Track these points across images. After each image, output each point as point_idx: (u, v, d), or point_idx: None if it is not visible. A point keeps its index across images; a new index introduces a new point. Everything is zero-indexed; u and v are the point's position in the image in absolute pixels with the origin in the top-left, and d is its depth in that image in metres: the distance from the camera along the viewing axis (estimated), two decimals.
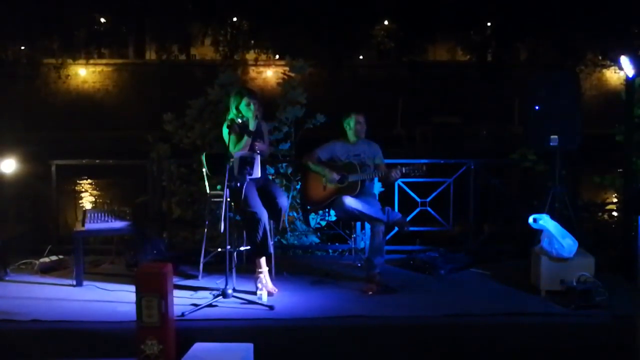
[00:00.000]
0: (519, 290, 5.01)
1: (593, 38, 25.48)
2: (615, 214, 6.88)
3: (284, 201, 5.24)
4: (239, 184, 4.92)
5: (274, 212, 5.15)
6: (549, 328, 4.38)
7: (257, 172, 5.04)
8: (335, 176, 5.31)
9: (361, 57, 29.73)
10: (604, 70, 28.12)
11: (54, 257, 5.63)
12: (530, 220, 4.98)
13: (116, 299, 4.82)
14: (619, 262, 5.37)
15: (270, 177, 6.07)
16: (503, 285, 5.17)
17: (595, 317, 4.46)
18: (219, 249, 5.42)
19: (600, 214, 6.73)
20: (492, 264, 5.65)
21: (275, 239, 6.09)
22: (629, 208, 5.45)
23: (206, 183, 5.49)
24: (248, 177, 5.01)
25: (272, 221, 5.19)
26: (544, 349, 4.33)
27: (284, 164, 6.54)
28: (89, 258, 5.67)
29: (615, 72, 26.75)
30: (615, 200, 6.92)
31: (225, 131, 5.16)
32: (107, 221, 5.35)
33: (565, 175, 5.79)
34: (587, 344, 4.33)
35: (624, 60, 5.26)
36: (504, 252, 5.95)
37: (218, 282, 5.01)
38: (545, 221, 4.94)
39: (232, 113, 5.18)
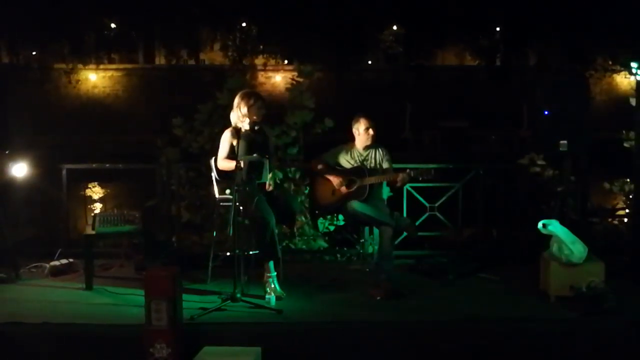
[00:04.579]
0: (528, 295, 4.99)
1: (603, 43, 25.36)
2: (625, 219, 6.83)
3: (294, 205, 5.25)
4: (247, 188, 4.95)
5: (285, 216, 5.15)
6: (558, 334, 4.36)
7: (266, 177, 5.06)
8: (342, 184, 5.30)
9: (369, 61, 29.71)
10: (614, 75, 27.96)
11: (64, 261, 5.66)
12: (540, 225, 4.96)
13: (125, 302, 4.84)
14: (629, 268, 5.34)
15: (279, 182, 6.08)
16: (512, 290, 5.15)
17: (605, 323, 4.44)
18: (228, 253, 5.44)
19: (610, 219, 6.69)
20: (501, 269, 5.62)
21: (284, 243, 6.10)
22: (639, 213, 5.42)
23: (215, 187, 5.51)
24: (256, 181, 5.04)
25: (280, 225, 5.19)
26: (553, 355, 4.31)
27: (292, 168, 6.56)
28: (98, 261, 5.70)
29: (625, 77, 26.59)
30: (624, 205, 6.89)
31: (226, 135, 5.15)
32: (117, 225, 5.37)
33: (574, 180, 5.77)
34: (597, 350, 4.30)
35: (634, 65, 5.25)
36: (513, 257, 5.92)
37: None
38: (554, 226, 4.92)
39: (235, 117, 5.16)
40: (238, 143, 4.99)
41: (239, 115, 5.11)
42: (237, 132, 5.05)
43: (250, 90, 5.32)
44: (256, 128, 5.17)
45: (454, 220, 6.18)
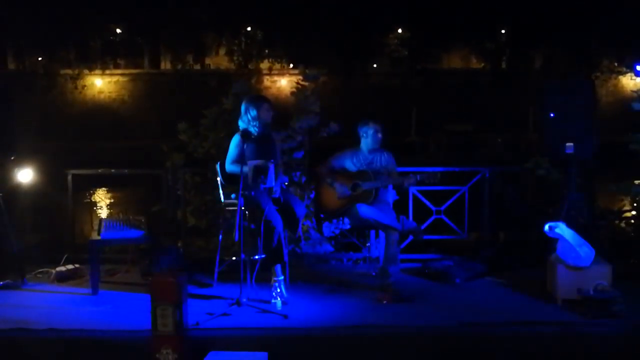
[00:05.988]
0: (535, 299, 4.97)
1: (608, 45, 25.30)
2: (632, 221, 6.80)
3: (300, 209, 5.25)
4: (253, 193, 4.95)
5: (291, 220, 5.15)
6: (565, 337, 4.34)
7: (272, 181, 5.06)
8: (346, 190, 5.31)
9: (375, 65, 29.74)
10: (620, 77, 27.89)
11: (70, 266, 5.67)
12: (546, 228, 4.94)
13: (131, 307, 4.84)
14: (637, 270, 5.31)
15: (285, 186, 6.08)
16: (519, 294, 5.13)
17: (613, 326, 4.41)
18: (234, 258, 5.44)
19: (617, 221, 6.65)
20: (507, 272, 5.61)
21: (290, 248, 6.09)
22: None
23: (220, 192, 5.51)
24: (262, 186, 5.04)
25: (286, 229, 5.20)
26: (560, 359, 4.28)
27: (298, 173, 6.55)
28: (104, 267, 5.71)
29: (631, 79, 26.50)
30: (631, 207, 6.85)
31: (236, 139, 5.17)
32: (123, 230, 5.38)
33: (581, 182, 5.74)
34: (605, 354, 4.28)
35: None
36: (519, 260, 5.90)
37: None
38: (561, 229, 4.90)
39: (245, 120, 5.18)
40: (245, 147, 5.02)
41: (249, 120, 5.16)
42: (246, 136, 5.07)
43: (255, 94, 5.38)
44: (265, 133, 5.21)
45: (460, 223, 6.16)
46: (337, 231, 6.42)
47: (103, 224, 5.43)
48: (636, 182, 6.43)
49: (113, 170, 7.13)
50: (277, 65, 28.56)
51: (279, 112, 5.50)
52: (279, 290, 4.90)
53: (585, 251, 4.78)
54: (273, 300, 4.83)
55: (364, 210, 5.15)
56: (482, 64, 29.24)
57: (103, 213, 12.10)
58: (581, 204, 5.49)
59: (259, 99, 5.31)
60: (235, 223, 4.80)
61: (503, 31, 28.66)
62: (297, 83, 7.01)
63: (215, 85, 21.04)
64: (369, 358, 4.29)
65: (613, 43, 24.65)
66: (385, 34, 28.85)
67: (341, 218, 6.00)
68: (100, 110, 27.43)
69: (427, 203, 6.15)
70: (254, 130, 5.15)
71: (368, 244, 6.05)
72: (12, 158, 5.64)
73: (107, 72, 28.24)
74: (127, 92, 28.14)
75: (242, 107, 5.26)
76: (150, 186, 7.29)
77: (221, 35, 28.40)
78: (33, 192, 6.11)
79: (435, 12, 25.62)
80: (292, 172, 6.49)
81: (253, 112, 5.16)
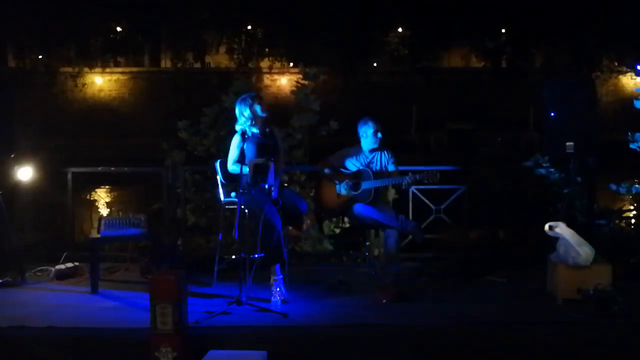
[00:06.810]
0: (535, 298, 4.96)
1: (609, 44, 25.32)
2: (632, 220, 6.80)
3: (303, 205, 5.24)
4: (253, 192, 4.94)
5: (294, 217, 5.15)
6: (566, 337, 4.33)
7: (271, 179, 5.05)
8: (347, 188, 5.31)
9: (375, 64, 29.74)
10: (620, 77, 27.91)
11: (69, 264, 5.67)
12: (546, 227, 4.94)
13: (131, 305, 4.84)
14: (637, 270, 5.30)
15: (285, 184, 6.08)
16: (519, 293, 5.12)
17: (613, 325, 4.40)
18: (233, 256, 5.43)
19: (617, 221, 6.65)
20: (507, 271, 5.60)
21: (289, 246, 6.09)
22: None
23: (220, 190, 5.51)
24: (262, 184, 5.03)
25: (290, 226, 5.20)
26: (561, 358, 4.28)
27: (298, 171, 6.55)
28: (104, 265, 5.70)
29: (632, 79, 26.52)
30: (631, 207, 6.85)
31: (236, 140, 5.16)
32: (123, 228, 5.37)
33: (581, 182, 5.74)
34: (605, 353, 4.27)
35: None
36: (519, 259, 5.90)
37: None
38: (561, 229, 4.89)
39: (242, 122, 5.16)
40: (246, 147, 5.01)
41: (245, 120, 5.13)
42: (245, 136, 5.05)
43: (243, 95, 5.35)
44: (267, 130, 5.19)
45: (460, 222, 6.16)
46: (337, 230, 6.42)
47: (103, 222, 5.42)
48: (636, 181, 6.43)
49: (113, 168, 7.12)
50: (278, 64, 28.58)
51: (279, 111, 5.48)
52: (278, 289, 4.89)
53: (585, 250, 4.78)
54: (273, 299, 4.82)
55: (363, 209, 5.14)
56: (483, 63, 29.27)
57: (103, 211, 12.10)
58: (581, 203, 5.49)
59: (248, 97, 5.20)
60: (235, 221, 4.80)
61: (503, 30, 28.68)
62: (297, 82, 7.03)
63: (216, 84, 21.05)
64: (368, 357, 4.28)
65: (613, 42, 24.67)
66: (386, 33, 28.87)
67: (341, 217, 6.00)
68: (100, 108, 27.46)
69: (427, 202, 6.14)
70: (253, 129, 5.12)
71: (368, 243, 6.04)
72: (12, 156, 5.63)
73: (108, 70, 28.27)
74: (128, 90, 28.16)
75: (236, 111, 5.20)
76: (150, 184, 7.29)
77: (222, 34, 28.41)
78: (33, 190, 6.10)
79: (436, 10, 25.63)
80: (293, 170, 6.50)
81: (246, 112, 5.13)
